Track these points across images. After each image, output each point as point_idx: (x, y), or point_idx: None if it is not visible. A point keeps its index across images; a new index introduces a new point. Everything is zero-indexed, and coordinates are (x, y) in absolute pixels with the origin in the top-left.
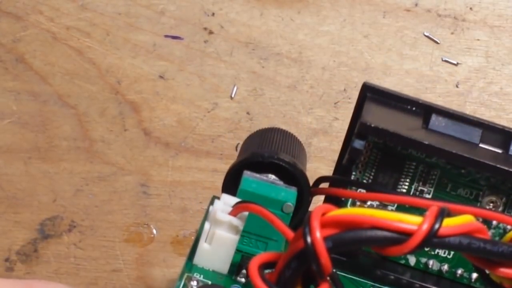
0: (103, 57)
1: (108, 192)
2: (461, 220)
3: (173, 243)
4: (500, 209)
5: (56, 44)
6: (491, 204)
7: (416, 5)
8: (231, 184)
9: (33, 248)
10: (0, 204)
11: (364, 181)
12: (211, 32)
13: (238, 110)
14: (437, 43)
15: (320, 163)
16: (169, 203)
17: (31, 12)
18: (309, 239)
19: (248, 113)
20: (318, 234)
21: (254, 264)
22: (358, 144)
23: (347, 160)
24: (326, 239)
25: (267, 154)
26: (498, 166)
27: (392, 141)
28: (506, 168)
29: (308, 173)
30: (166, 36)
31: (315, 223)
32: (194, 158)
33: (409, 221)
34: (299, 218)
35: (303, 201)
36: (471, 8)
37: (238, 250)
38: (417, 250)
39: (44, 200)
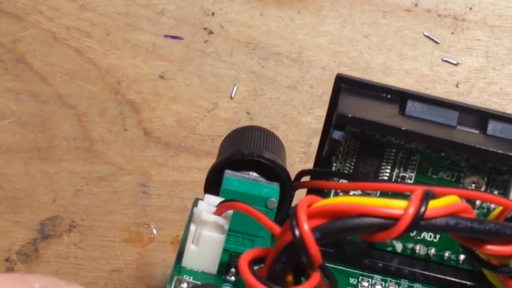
0: (103, 57)
1: (108, 192)
2: (446, 201)
3: (173, 243)
4: (483, 188)
5: (56, 44)
6: (473, 185)
7: (416, 5)
8: (213, 184)
9: (33, 248)
10: (0, 204)
11: (345, 171)
12: (211, 32)
13: (238, 110)
14: (437, 43)
15: None
16: (169, 203)
17: (31, 12)
18: (297, 232)
19: (248, 113)
20: (305, 225)
21: (244, 261)
22: (337, 135)
23: (327, 152)
24: (314, 230)
25: (247, 152)
26: (477, 146)
27: (370, 129)
28: (485, 148)
29: None
30: (166, 36)
31: (302, 215)
32: (194, 158)
33: (395, 206)
34: (283, 213)
35: (286, 196)
36: (471, 8)
37: (225, 250)
38: (405, 234)
39: (44, 200)
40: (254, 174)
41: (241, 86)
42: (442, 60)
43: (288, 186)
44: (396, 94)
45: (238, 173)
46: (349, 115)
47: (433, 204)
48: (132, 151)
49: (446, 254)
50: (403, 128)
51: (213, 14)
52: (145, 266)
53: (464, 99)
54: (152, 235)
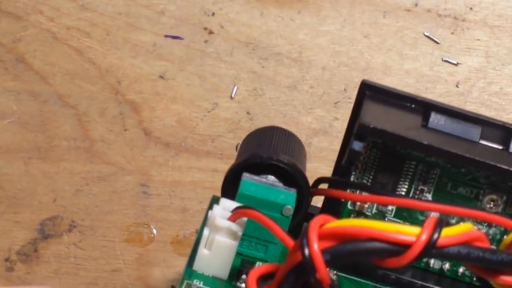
0: (103, 57)
1: (108, 192)
2: (459, 230)
3: (173, 243)
4: (501, 207)
5: (56, 44)
6: (492, 203)
7: (416, 5)
8: (230, 186)
9: (33, 248)
10: (0, 204)
11: (364, 180)
12: (211, 32)
13: (238, 110)
14: (437, 43)
15: (320, 163)
16: (169, 203)
17: (31, 12)
18: (306, 252)
19: (248, 113)
20: (315, 246)
21: (252, 278)
22: (357, 145)
23: (346, 161)
24: (324, 251)
25: (266, 156)
26: (497, 165)
27: (391, 141)
28: (506, 167)
29: (308, 173)
30: (166, 36)
31: (313, 235)
32: (194, 158)
33: (408, 232)
34: (300, 219)
35: (303, 202)
36: (471, 8)
37: (238, 253)
38: (416, 262)
39: (44, 200)
40: (272, 178)
41: (241, 86)
42: (442, 60)
43: (305, 192)
44: (420, 104)
45: (256, 177)
46: (371, 126)
47: (446, 232)
48: (132, 151)
49: (461, 269)
50: (425, 143)
51: (213, 14)
52: (145, 266)
53: (464, 99)
54: (152, 235)
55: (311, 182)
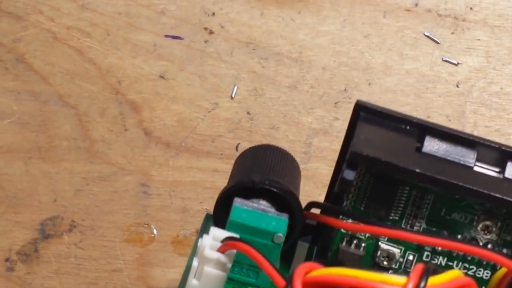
0: (104, 57)
1: (109, 192)
2: (447, 277)
3: (173, 243)
4: (495, 234)
5: (57, 44)
6: (486, 229)
7: (417, 5)
8: (223, 209)
9: (33, 248)
10: (0, 204)
11: (357, 205)
12: (211, 32)
13: (239, 110)
14: (438, 43)
15: (320, 163)
16: (170, 203)
17: (32, 12)
18: None
19: (248, 113)
20: None
21: None
22: (349, 175)
23: (338, 189)
24: None
25: (258, 180)
26: (491, 193)
27: (384, 169)
28: (499, 196)
29: (309, 173)
30: (167, 36)
31: (297, 283)
32: (194, 158)
33: (393, 282)
34: (292, 242)
35: (295, 226)
36: (471, 8)
37: (229, 279)
38: None
39: (44, 200)
40: (264, 204)
41: (242, 86)
42: (443, 60)
43: (298, 216)
44: (415, 126)
45: (247, 202)
46: (364, 154)
47: (433, 280)
48: (133, 151)
49: None
50: (417, 171)
51: (213, 14)
52: (146, 266)
53: (465, 99)
54: (153, 235)
55: (309, 182)
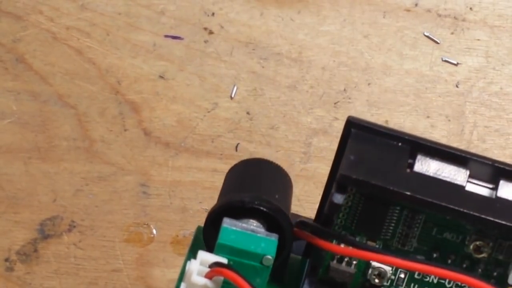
0: (103, 57)
1: (108, 192)
2: None
3: (173, 243)
4: (487, 253)
5: (56, 44)
6: (479, 249)
7: (416, 5)
8: (213, 227)
9: (33, 248)
10: (0, 204)
11: (348, 224)
12: (211, 32)
13: (238, 110)
14: (437, 43)
15: (320, 163)
16: (169, 203)
17: (31, 12)
18: None
19: (248, 113)
20: None
21: None
22: (338, 199)
23: (327, 211)
24: None
25: (247, 199)
26: (482, 216)
27: (374, 191)
28: (491, 218)
29: (308, 174)
30: (166, 36)
31: None
32: (194, 158)
33: None
34: (282, 260)
35: (285, 244)
36: (471, 8)
37: None
38: None
39: (44, 200)
40: (254, 223)
41: (241, 86)
42: (442, 60)
43: (288, 235)
44: (406, 142)
45: (236, 222)
46: (353, 177)
47: None
48: (132, 151)
49: None
50: (408, 193)
51: (213, 14)
52: (145, 266)
53: (464, 99)
54: (152, 235)
55: (309, 182)
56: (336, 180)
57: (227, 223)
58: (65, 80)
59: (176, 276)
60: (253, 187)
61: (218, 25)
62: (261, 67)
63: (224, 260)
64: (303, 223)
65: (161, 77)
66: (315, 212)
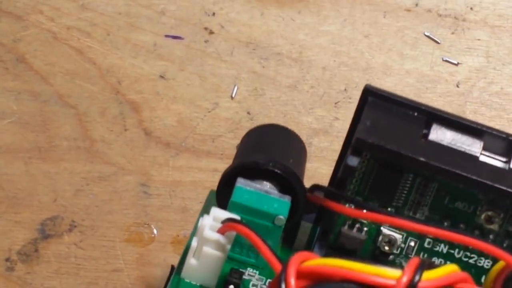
0: (104, 57)
1: (109, 192)
2: (443, 272)
3: (173, 243)
4: (498, 224)
5: (57, 44)
6: (489, 220)
7: (417, 5)
8: (226, 188)
9: (33, 248)
10: (0, 204)
11: (361, 190)
12: (211, 32)
13: (239, 110)
14: (438, 43)
15: (320, 163)
16: (170, 203)
17: (32, 12)
18: None
19: (248, 113)
20: (292, 284)
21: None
22: (352, 161)
23: (342, 174)
24: None
25: (262, 161)
26: (495, 185)
27: (388, 157)
28: (504, 188)
29: (309, 173)
30: (167, 36)
31: (291, 272)
32: (194, 158)
33: (387, 275)
34: (294, 223)
35: (298, 207)
36: (471, 8)
37: (229, 258)
38: None
39: (44, 200)
40: (267, 185)
41: (242, 86)
42: (443, 60)
43: (301, 198)
44: (423, 113)
45: (250, 183)
46: (368, 141)
47: (428, 275)
48: (133, 151)
49: None
50: (422, 159)
51: (213, 14)
52: (146, 266)
53: (465, 99)
54: (153, 235)
55: (309, 182)
56: (351, 144)
57: (241, 183)
58: (66, 80)
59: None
60: (268, 151)
61: (219, 25)
62: (262, 67)
63: (237, 217)
64: (317, 186)
65: (161, 77)
66: (316, 211)
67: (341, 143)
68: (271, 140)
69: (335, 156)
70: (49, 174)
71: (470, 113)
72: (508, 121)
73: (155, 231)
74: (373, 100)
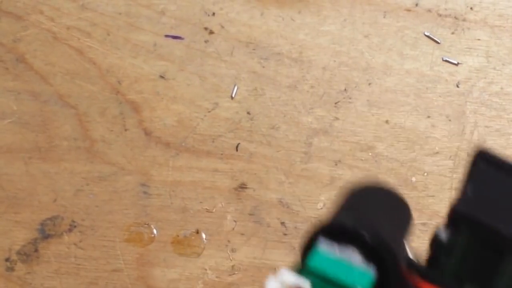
0: (104, 57)
1: (109, 192)
2: None
3: (173, 243)
4: None
5: (57, 44)
6: None
7: (417, 5)
8: (310, 243)
9: (33, 248)
10: (0, 204)
11: (456, 267)
12: (211, 32)
13: (239, 110)
14: (438, 43)
15: (320, 163)
16: (170, 203)
17: (32, 12)
18: None
19: (248, 113)
20: None
21: None
22: (443, 235)
23: (431, 250)
24: None
25: (350, 225)
26: None
27: (489, 236)
28: None
29: (309, 173)
30: (167, 36)
31: None
32: (194, 158)
33: None
34: None
35: (389, 280)
36: (471, 8)
37: None
38: None
39: (44, 200)
40: (353, 251)
41: (242, 86)
42: (443, 60)
43: (392, 272)
44: None
45: (333, 245)
46: (469, 216)
47: None
48: (133, 151)
49: None
50: None
51: (213, 14)
52: (146, 266)
53: (465, 99)
54: (153, 235)
55: (309, 182)
56: (447, 215)
57: (322, 245)
58: (66, 80)
59: (176, 276)
60: (363, 214)
61: (219, 25)
62: (262, 67)
63: (307, 285)
64: (409, 262)
65: (161, 77)
66: (316, 211)
67: (342, 143)
68: (370, 202)
69: (335, 156)
70: (49, 174)
71: (470, 113)
72: (508, 121)
73: (155, 231)
74: (483, 166)
